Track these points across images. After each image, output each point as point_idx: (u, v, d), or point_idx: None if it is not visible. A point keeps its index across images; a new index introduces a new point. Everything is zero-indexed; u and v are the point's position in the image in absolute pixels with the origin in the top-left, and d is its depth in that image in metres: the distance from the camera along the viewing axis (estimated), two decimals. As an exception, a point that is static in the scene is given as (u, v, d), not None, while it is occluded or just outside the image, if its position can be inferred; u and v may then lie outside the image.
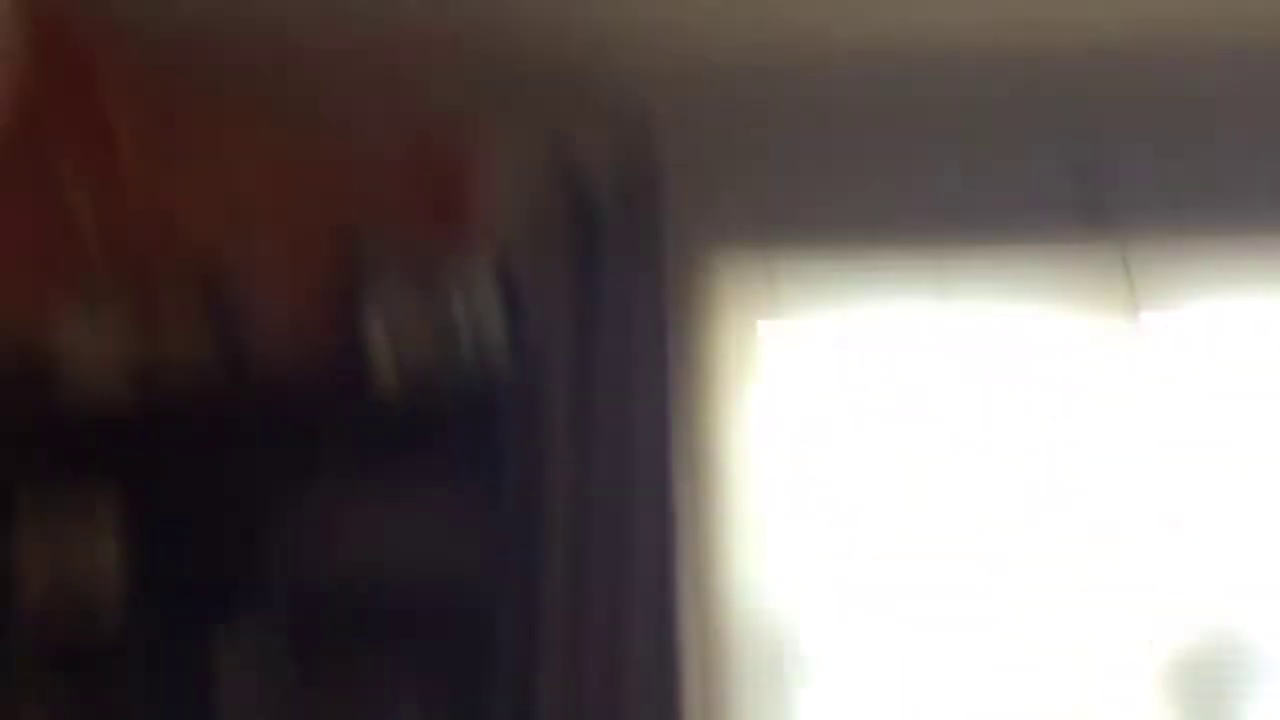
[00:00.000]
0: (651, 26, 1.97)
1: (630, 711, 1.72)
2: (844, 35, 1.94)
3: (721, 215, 1.98)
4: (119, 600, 1.74)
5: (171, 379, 1.78)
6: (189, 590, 1.75)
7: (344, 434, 1.82)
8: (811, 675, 1.88)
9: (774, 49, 1.99)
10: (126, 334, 1.78)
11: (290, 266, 1.92)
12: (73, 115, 1.93)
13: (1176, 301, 1.96)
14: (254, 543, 1.79)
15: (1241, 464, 1.90)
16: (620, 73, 2.05)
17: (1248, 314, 1.96)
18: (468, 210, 1.99)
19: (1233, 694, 1.85)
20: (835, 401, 2.00)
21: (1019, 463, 1.94)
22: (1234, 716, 1.84)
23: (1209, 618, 1.86)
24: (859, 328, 2.03)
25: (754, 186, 1.98)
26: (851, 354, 2.02)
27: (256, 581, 1.74)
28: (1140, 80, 1.90)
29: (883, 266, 2.01)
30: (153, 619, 1.73)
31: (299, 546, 1.76)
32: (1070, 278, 1.97)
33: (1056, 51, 1.88)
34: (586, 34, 1.99)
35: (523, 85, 2.06)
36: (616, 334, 1.87)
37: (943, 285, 1.99)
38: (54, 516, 1.77)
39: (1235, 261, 1.96)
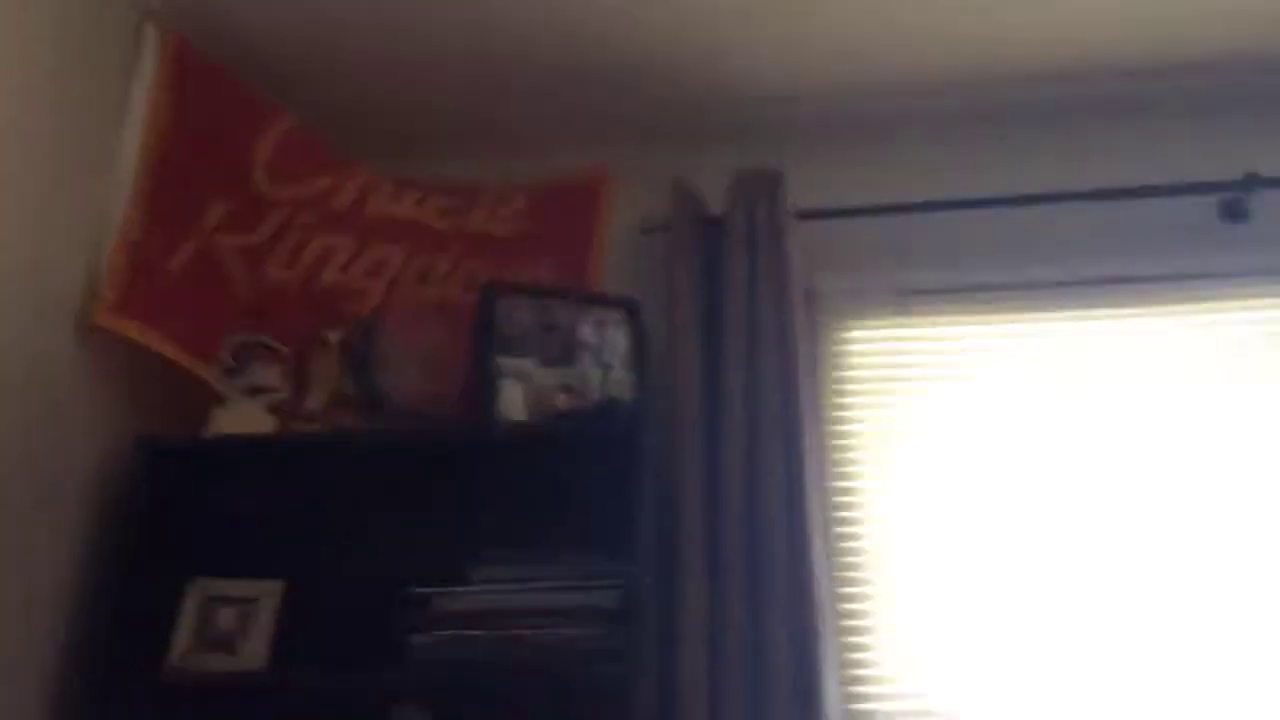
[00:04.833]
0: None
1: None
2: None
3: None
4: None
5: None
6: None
7: (472, 468, 1.82)
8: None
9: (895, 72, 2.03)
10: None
11: (427, 317, 1.94)
12: (217, 158, 1.85)
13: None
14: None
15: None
16: (745, 104, 2.07)
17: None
18: (595, 250, 2.04)
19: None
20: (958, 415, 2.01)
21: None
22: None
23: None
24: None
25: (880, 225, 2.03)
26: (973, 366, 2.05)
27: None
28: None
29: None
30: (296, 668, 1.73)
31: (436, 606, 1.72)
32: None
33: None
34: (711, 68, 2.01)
35: (649, 123, 2.10)
36: (744, 369, 1.89)
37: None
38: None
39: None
